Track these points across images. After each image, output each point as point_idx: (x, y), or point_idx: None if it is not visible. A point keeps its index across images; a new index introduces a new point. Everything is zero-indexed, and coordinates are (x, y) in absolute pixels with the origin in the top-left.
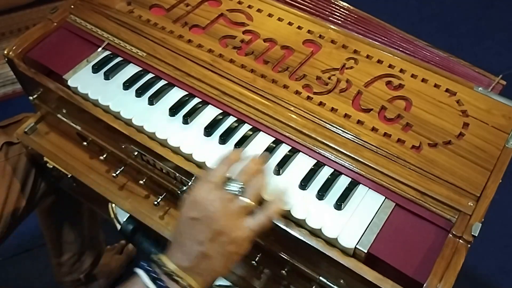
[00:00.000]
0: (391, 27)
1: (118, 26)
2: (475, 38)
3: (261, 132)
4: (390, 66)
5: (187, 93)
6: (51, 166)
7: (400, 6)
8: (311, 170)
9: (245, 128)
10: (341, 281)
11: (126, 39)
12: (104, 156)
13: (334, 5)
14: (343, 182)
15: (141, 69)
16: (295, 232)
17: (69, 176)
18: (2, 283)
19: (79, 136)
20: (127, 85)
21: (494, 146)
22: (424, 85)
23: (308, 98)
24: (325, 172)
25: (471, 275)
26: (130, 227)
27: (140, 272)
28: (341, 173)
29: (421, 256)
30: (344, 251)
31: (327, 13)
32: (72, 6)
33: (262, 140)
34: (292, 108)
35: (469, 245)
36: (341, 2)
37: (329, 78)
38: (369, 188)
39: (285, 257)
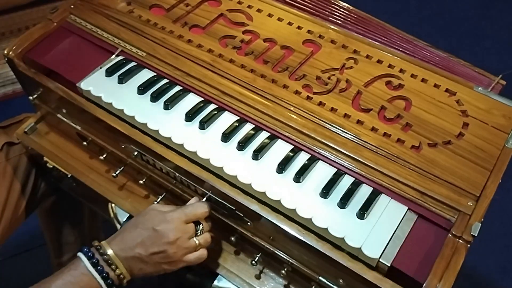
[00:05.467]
0: (391, 27)
1: (118, 26)
2: (475, 38)
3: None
4: (390, 66)
5: (202, 99)
6: (51, 166)
7: (400, 6)
8: (331, 180)
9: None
10: (341, 281)
11: (126, 39)
12: (104, 156)
13: (334, 5)
14: (364, 191)
15: (155, 74)
16: (317, 246)
17: (69, 176)
18: (2, 283)
19: (79, 136)
20: (141, 89)
21: (494, 146)
22: (424, 85)
23: (308, 98)
24: (346, 181)
25: (471, 275)
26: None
27: (82, 257)
28: (362, 182)
29: (421, 256)
30: (367, 263)
31: (327, 13)
32: (72, 6)
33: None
34: (292, 108)
35: (468, 245)
36: (341, 2)
37: (329, 78)
38: (391, 198)
39: (285, 257)
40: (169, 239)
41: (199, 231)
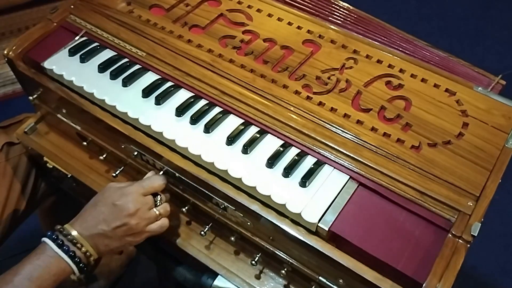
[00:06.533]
0: (391, 27)
1: (118, 26)
2: (475, 38)
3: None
4: (389, 66)
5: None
6: (51, 166)
7: (400, 6)
8: (276, 151)
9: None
10: (340, 281)
11: (126, 39)
12: (104, 156)
13: (334, 5)
14: (309, 161)
15: (116, 53)
16: (262, 212)
17: (69, 176)
18: None
19: (79, 136)
20: (101, 67)
21: (494, 146)
22: (423, 85)
23: (308, 98)
24: (292, 153)
25: (471, 275)
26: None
27: (47, 240)
28: (307, 154)
29: (421, 255)
30: (308, 228)
31: (326, 13)
32: (72, 6)
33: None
34: (291, 108)
35: (468, 245)
36: (341, 2)
37: (328, 78)
38: (334, 168)
39: (285, 257)
40: (129, 211)
41: (158, 202)
